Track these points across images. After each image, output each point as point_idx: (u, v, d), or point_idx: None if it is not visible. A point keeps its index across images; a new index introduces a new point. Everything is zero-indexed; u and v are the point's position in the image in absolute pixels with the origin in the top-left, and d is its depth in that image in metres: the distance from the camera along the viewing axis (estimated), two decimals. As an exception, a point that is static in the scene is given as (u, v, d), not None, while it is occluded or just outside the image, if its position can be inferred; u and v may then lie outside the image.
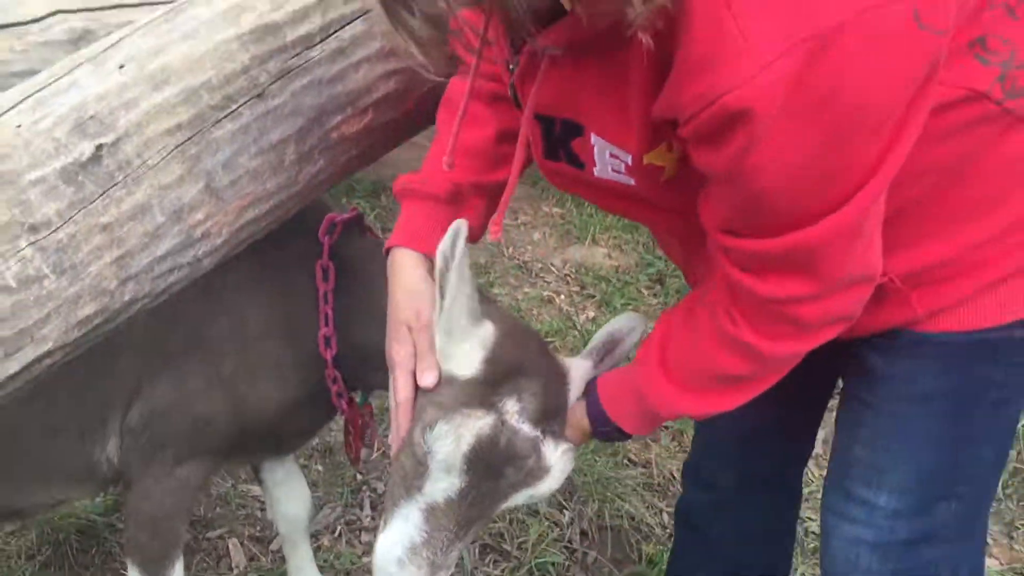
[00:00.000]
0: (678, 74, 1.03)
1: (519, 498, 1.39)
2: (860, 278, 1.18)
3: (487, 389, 1.34)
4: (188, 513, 1.90)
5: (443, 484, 1.34)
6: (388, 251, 1.48)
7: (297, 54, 1.43)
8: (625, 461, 2.77)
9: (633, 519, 2.60)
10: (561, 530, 2.56)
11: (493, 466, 1.34)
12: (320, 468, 2.73)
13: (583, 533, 2.57)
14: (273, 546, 2.48)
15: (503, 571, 2.44)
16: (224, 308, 1.72)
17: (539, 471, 1.37)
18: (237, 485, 2.65)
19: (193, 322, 1.71)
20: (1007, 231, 1.31)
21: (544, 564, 2.44)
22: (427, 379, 1.37)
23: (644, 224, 1.60)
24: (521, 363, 1.37)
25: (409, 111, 1.57)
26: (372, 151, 1.57)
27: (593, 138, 1.23)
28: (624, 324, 1.55)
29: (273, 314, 1.73)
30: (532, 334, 1.49)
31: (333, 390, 1.72)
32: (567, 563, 2.49)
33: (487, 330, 1.37)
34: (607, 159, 1.24)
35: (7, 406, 1.50)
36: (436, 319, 1.34)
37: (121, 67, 1.32)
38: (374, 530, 2.54)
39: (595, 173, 1.27)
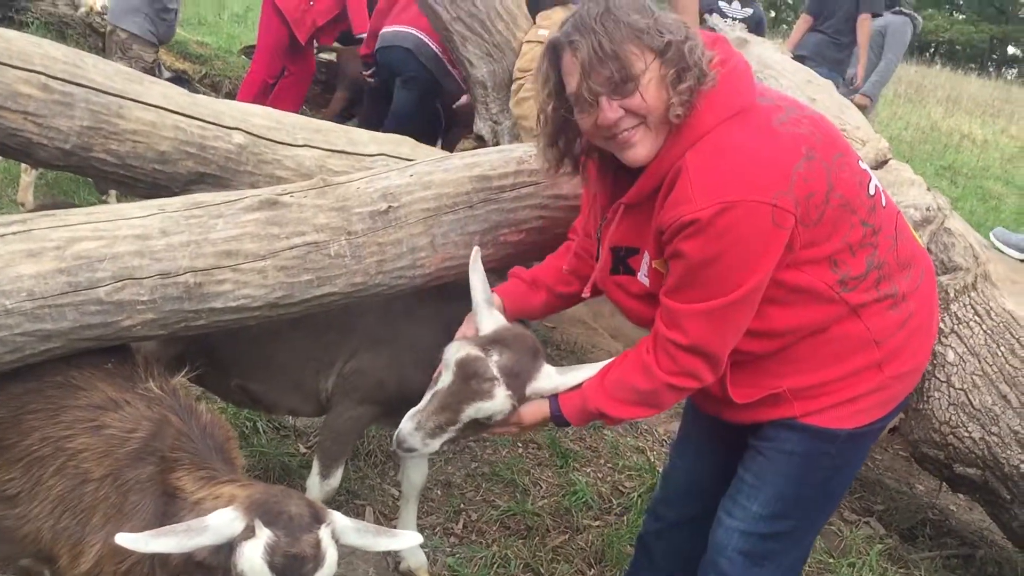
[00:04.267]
0: (666, 208, 2.23)
1: (472, 409, 2.39)
2: (705, 353, 2.29)
3: (484, 343, 2.45)
4: (356, 437, 3.17)
5: (443, 378, 2.42)
6: None
7: (495, 192, 2.77)
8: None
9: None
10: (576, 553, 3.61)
11: (466, 375, 2.38)
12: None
13: (590, 563, 3.60)
14: (394, 521, 3.65)
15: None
16: (411, 324, 3.00)
17: (487, 394, 2.37)
18: (383, 484, 3.88)
19: (395, 328, 3.00)
20: (844, 378, 2.40)
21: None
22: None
23: (639, 323, 2.71)
24: (509, 342, 2.46)
25: (543, 242, 2.86)
26: (521, 256, 2.85)
27: (645, 254, 2.41)
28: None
29: (434, 336, 2.93)
30: (527, 340, 2.51)
31: None
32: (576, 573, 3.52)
33: (502, 323, 2.51)
34: (645, 266, 2.41)
35: (290, 340, 2.86)
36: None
37: (411, 175, 2.71)
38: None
39: (638, 276, 2.43)
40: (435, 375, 2.51)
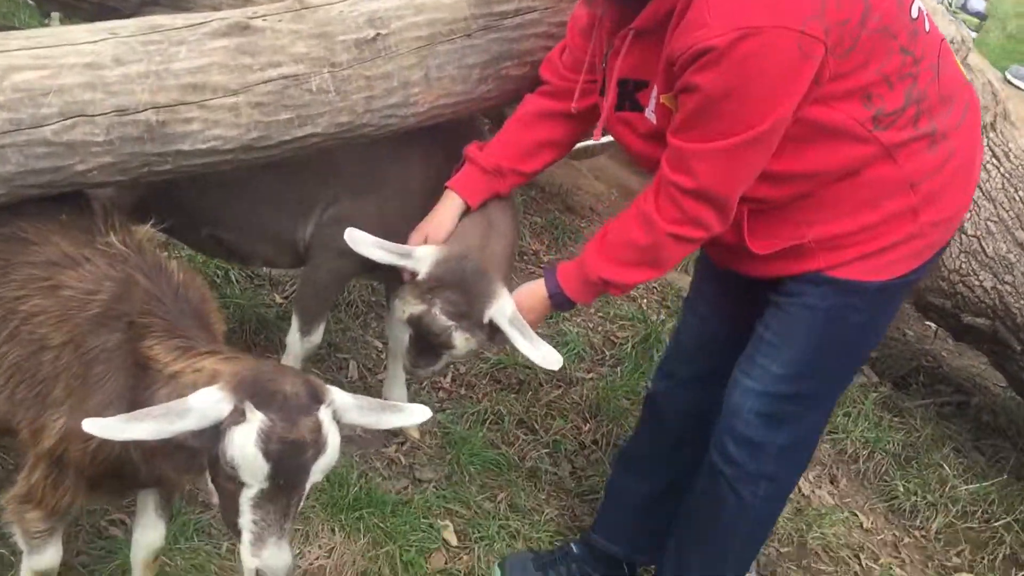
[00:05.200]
0: (678, 34, 1.95)
1: (446, 356, 2.48)
2: (714, 199, 2.06)
3: (424, 290, 2.36)
4: (337, 292, 2.92)
5: (405, 329, 2.49)
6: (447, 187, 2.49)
7: (497, 19, 2.43)
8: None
9: (634, 445, 3.46)
10: (580, 433, 3.45)
11: (421, 332, 2.40)
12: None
13: (594, 441, 3.45)
14: (379, 375, 3.45)
15: (530, 440, 3.34)
16: (399, 173, 2.70)
17: (447, 345, 2.39)
18: (366, 336, 3.66)
19: (380, 174, 2.70)
20: (876, 225, 2.18)
21: (559, 444, 3.34)
22: None
23: (647, 167, 2.38)
24: (449, 281, 2.35)
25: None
26: (522, 92, 2.53)
27: (653, 88, 2.13)
28: None
29: (424, 181, 2.66)
30: (467, 263, 2.36)
31: None
32: (575, 450, 3.37)
33: (440, 252, 2.36)
34: (652, 101, 2.14)
35: (263, 185, 2.56)
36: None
37: (401, -3, 2.36)
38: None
39: (646, 113, 2.16)
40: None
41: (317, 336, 2.86)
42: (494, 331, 2.39)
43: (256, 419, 1.57)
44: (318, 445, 1.61)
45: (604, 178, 5.38)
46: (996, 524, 3.57)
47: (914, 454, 3.86)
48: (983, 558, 3.50)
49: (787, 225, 2.20)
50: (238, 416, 1.58)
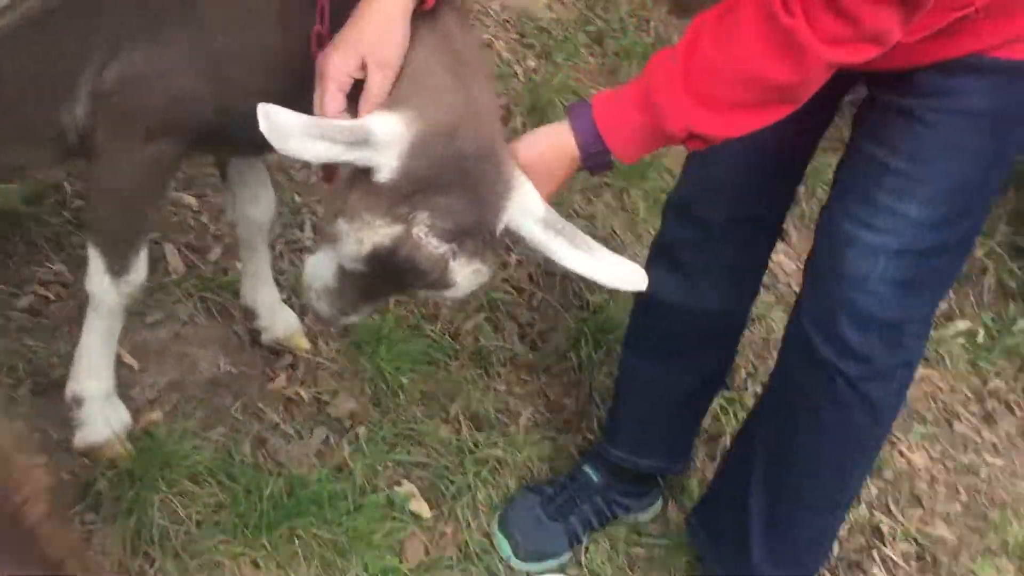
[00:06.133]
0: None
1: (433, 296, 1.57)
2: None
3: (397, 199, 1.33)
4: (157, 196, 1.75)
5: (351, 266, 1.41)
6: None
7: None
8: (570, 212, 2.73)
9: (578, 268, 2.62)
10: (508, 271, 2.54)
11: (393, 271, 1.38)
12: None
13: (530, 276, 2.56)
14: (211, 255, 2.35)
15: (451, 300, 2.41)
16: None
17: (442, 284, 1.39)
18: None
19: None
20: None
21: (494, 300, 2.43)
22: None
23: None
24: (440, 175, 1.34)
25: None
26: None
27: None
28: None
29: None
30: (469, 137, 1.37)
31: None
32: (514, 301, 2.48)
33: (413, 127, 1.33)
34: None
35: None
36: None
37: None
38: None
39: None
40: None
41: (139, 272, 1.72)
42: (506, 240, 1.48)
43: None
44: None
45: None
46: (977, 255, 3.08)
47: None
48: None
49: None
50: None
